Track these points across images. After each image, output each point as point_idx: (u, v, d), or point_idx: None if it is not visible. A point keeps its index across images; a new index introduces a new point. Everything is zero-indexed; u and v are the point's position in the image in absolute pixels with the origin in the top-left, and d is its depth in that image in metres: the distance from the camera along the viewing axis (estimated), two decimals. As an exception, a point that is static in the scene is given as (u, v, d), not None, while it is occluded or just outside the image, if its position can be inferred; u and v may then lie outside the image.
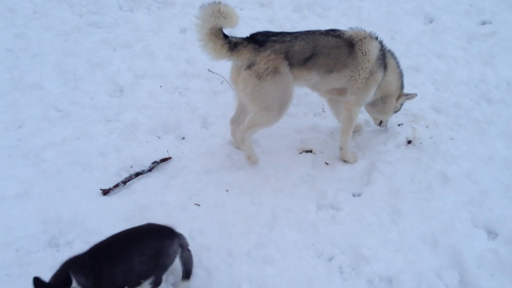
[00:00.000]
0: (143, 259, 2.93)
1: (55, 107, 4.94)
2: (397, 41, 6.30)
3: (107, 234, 3.45)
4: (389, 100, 4.53)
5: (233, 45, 3.93)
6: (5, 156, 4.30)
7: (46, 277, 3.24)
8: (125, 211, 3.81)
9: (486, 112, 5.12)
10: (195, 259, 3.44)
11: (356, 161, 4.51)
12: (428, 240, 3.71)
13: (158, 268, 3.04)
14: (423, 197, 4.09)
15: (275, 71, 3.96)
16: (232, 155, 4.49)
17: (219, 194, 4.06)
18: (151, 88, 5.32)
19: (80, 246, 3.48)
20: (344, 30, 4.24)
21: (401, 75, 4.51)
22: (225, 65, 5.53)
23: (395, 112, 4.73)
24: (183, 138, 4.69)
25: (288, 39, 4.03)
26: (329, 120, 5.01)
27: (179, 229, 3.66)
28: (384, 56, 4.28)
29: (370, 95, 4.35)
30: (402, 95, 4.58)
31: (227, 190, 4.11)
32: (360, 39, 4.15)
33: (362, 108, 4.70)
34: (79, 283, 2.69)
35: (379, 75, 4.26)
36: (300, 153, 4.56)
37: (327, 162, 4.47)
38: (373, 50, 4.17)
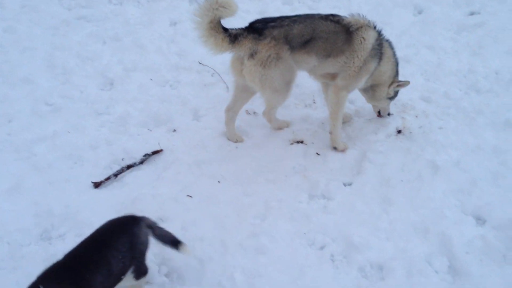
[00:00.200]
0: (120, 256, 2.85)
1: (45, 101, 4.94)
2: (387, 32, 6.17)
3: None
4: (379, 88, 4.58)
5: (233, 37, 4.00)
6: (-4, 150, 4.29)
7: (38, 270, 3.26)
8: (117, 204, 3.82)
9: (475, 102, 5.16)
10: (188, 250, 3.49)
11: (345, 148, 4.55)
12: (418, 227, 3.74)
13: (135, 258, 2.97)
14: (413, 186, 4.12)
15: (278, 57, 4.06)
16: (224, 146, 4.51)
17: (211, 186, 4.09)
18: (142, 81, 5.32)
19: (72, 239, 3.52)
20: (344, 16, 4.28)
21: (396, 64, 4.57)
22: (215, 58, 5.57)
23: (391, 99, 4.77)
24: (175, 130, 4.70)
25: (286, 23, 4.09)
26: (320, 111, 5.04)
27: (171, 221, 3.72)
28: (381, 46, 4.32)
29: (360, 83, 4.40)
30: (394, 82, 4.62)
31: (219, 182, 4.13)
32: (358, 27, 4.19)
33: (353, 98, 4.74)
34: None
35: (372, 65, 4.30)
36: (292, 144, 4.59)
37: (318, 153, 4.49)
38: (370, 40, 4.21)
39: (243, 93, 4.45)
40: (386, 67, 4.46)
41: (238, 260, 3.46)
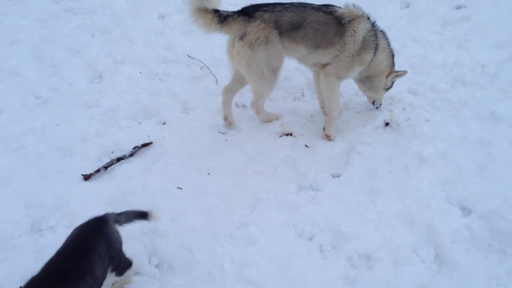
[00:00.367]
0: (101, 261, 2.74)
1: (34, 94, 4.92)
2: (374, 25, 6.36)
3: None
4: (377, 79, 4.63)
5: (223, 18, 4.08)
6: (-15, 142, 4.28)
7: (29, 262, 3.29)
8: (107, 196, 3.84)
9: (461, 94, 5.23)
10: (177, 242, 3.52)
11: (334, 139, 4.63)
12: (405, 218, 3.80)
13: (113, 257, 2.88)
14: (400, 177, 4.18)
15: (267, 40, 4.12)
16: (213, 139, 4.54)
17: (201, 177, 4.11)
18: (131, 74, 5.32)
19: (63, 231, 3.53)
20: (338, 7, 4.31)
21: (391, 54, 4.61)
22: (204, 51, 5.61)
23: (387, 89, 4.83)
24: (164, 123, 4.71)
25: (278, 9, 4.16)
26: (309, 104, 5.08)
27: (161, 212, 3.72)
28: (375, 37, 4.36)
29: (352, 74, 4.46)
30: (392, 72, 4.68)
31: (208, 174, 4.16)
32: (351, 19, 4.23)
33: (341, 91, 4.77)
34: None
35: (366, 56, 4.35)
36: (280, 136, 4.62)
37: (307, 145, 4.53)
38: (361, 32, 4.25)
39: (240, 76, 4.50)
40: (381, 57, 4.50)
41: (227, 250, 3.49)
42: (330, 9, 4.27)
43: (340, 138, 4.63)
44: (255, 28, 4.09)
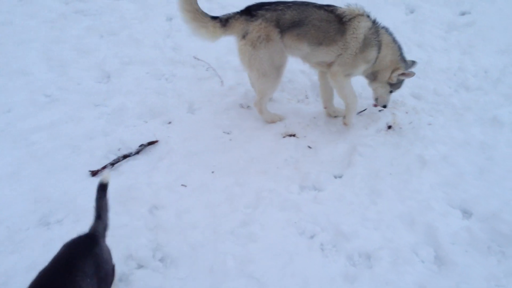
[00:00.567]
0: (88, 280, 2.57)
1: (43, 93, 5.01)
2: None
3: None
4: (380, 74, 4.62)
5: (224, 21, 4.22)
6: (-6, 139, 4.38)
7: (36, 254, 3.37)
8: (113, 191, 3.82)
9: (464, 98, 5.29)
10: (181, 238, 3.59)
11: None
12: (405, 218, 3.85)
13: (101, 279, 2.71)
14: (402, 178, 4.23)
15: (267, 38, 4.23)
16: (218, 138, 4.60)
17: (204, 176, 4.17)
18: (138, 75, 5.41)
19: (70, 225, 3.62)
20: (339, 6, 4.39)
21: (397, 49, 4.56)
22: (210, 53, 5.70)
23: (392, 87, 4.74)
24: (170, 122, 4.79)
25: (280, 8, 4.26)
26: (312, 106, 5.14)
27: (165, 209, 3.82)
28: (377, 34, 4.39)
29: (358, 71, 4.53)
30: (399, 69, 4.58)
31: (212, 172, 4.22)
32: (352, 18, 4.30)
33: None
34: None
35: (370, 54, 4.40)
36: (284, 137, 4.68)
37: (309, 146, 4.59)
38: (362, 30, 4.30)
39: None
40: (385, 52, 4.49)
41: (229, 247, 3.55)
42: (331, 8, 4.36)
43: (343, 140, 4.68)
44: (257, 27, 4.20)
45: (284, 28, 4.26)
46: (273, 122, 4.80)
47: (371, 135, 4.75)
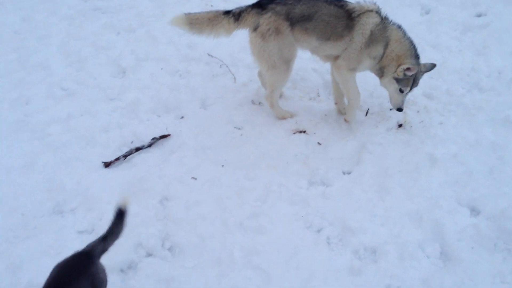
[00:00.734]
0: None
1: (60, 86, 5.17)
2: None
3: (108, 202, 3.70)
4: (387, 69, 4.52)
5: (237, 15, 4.33)
6: (13, 130, 4.55)
7: (50, 240, 3.48)
8: (125, 182, 4.02)
9: (476, 99, 5.26)
10: (190, 228, 3.67)
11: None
12: (413, 215, 3.87)
13: None
14: (411, 176, 4.24)
15: (277, 31, 4.31)
16: (229, 134, 4.67)
17: (215, 169, 4.25)
18: (153, 71, 5.52)
19: (83, 213, 3.74)
20: (349, 2, 4.43)
21: (405, 45, 4.41)
22: (224, 50, 5.78)
23: (402, 85, 4.50)
24: (182, 117, 4.88)
25: (290, 2, 4.34)
26: (324, 104, 5.18)
27: (176, 200, 3.90)
28: (384, 30, 4.36)
29: (363, 66, 4.54)
30: (403, 63, 4.38)
31: (222, 166, 4.29)
32: (361, 13, 4.32)
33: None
34: None
35: (375, 50, 4.40)
36: (294, 133, 4.73)
37: (319, 142, 4.63)
38: (369, 26, 4.31)
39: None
40: (393, 47, 4.40)
41: (237, 238, 3.63)
42: (342, 3, 4.39)
43: (353, 137, 4.70)
44: (267, 20, 4.28)
45: (294, 21, 4.33)
46: (283, 118, 4.85)
47: (381, 133, 4.77)
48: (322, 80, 5.51)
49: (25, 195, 3.87)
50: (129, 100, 5.02)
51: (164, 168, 4.22)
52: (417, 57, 4.52)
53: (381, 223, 3.82)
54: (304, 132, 4.75)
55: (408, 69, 4.34)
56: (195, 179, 4.12)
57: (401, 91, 4.56)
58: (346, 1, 4.44)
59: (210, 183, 4.10)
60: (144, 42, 6.01)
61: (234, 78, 5.45)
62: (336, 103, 4.99)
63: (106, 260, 3.26)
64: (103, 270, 2.77)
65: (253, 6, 4.41)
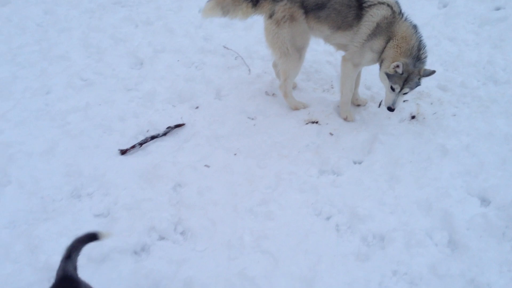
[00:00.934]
0: None
1: (80, 76, 5.34)
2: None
3: (123, 188, 3.83)
4: (383, 63, 4.43)
5: (255, 1, 4.43)
6: (34, 118, 4.72)
7: (67, 222, 3.63)
8: (140, 169, 4.14)
9: (491, 91, 5.25)
10: (202, 213, 3.77)
11: (351, 120, 4.84)
12: (422, 204, 3.89)
13: None
14: (421, 166, 4.26)
15: (292, 18, 4.42)
16: (242, 123, 4.76)
17: (227, 157, 4.34)
18: (169, 62, 5.65)
19: (99, 197, 3.87)
20: None
21: (408, 43, 4.27)
22: (239, 43, 5.87)
23: (392, 82, 4.33)
24: (197, 107, 4.98)
25: None
26: (337, 96, 5.21)
27: (188, 186, 4.00)
28: (391, 25, 4.29)
29: (365, 60, 4.55)
30: (397, 60, 4.24)
31: (235, 154, 4.38)
32: (371, 5, 4.33)
33: (369, 84, 4.88)
34: None
35: (376, 43, 4.39)
36: (307, 124, 4.79)
37: (331, 133, 4.68)
38: (376, 17, 4.31)
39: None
40: (395, 43, 4.31)
41: (247, 223, 3.72)
42: None
43: (365, 128, 4.74)
44: (282, 7, 4.38)
45: (308, 9, 4.41)
46: (296, 108, 4.92)
47: (393, 124, 4.80)
48: (336, 73, 5.55)
49: (44, 179, 4.02)
50: (146, 90, 5.15)
51: (178, 155, 4.32)
52: (417, 59, 4.32)
53: (390, 211, 3.86)
54: (317, 122, 4.81)
55: (397, 66, 4.20)
56: (208, 166, 4.22)
57: (392, 89, 4.39)
58: None
59: (222, 171, 4.19)
60: (161, 35, 6.15)
61: (249, 70, 5.53)
62: None
63: (120, 242, 3.43)
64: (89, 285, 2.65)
65: None
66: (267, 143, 4.52)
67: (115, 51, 5.81)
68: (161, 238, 3.59)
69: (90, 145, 4.42)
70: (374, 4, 4.32)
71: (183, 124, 4.69)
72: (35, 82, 5.25)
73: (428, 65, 5.55)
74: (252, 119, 4.84)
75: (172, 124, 4.67)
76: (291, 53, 4.56)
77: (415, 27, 4.40)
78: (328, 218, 3.82)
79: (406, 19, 4.41)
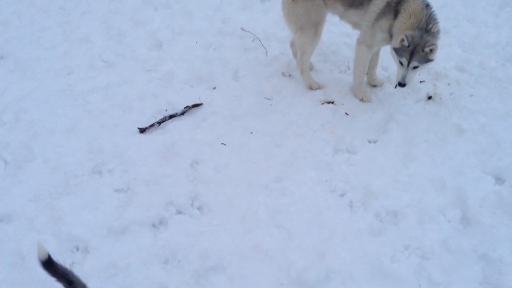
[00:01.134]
0: None
1: (101, 58, 5.47)
2: (428, 5, 6.40)
3: (142, 165, 3.95)
4: (393, 38, 4.42)
5: None
6: (57, 97, 4.88)
7: (89, 196, 3.76)
8: (159, 146, 4.25)
9: (510, 72, 5.22)
10: (218, 189, 3.87)
11: (367, 100, 4.88)
12: (436, 182, 3.92)
13: None
14: (436, 145, 4.28)
15: None
16: (259, 103, 4.82)
17: (244, 136, 4.41)
18: (188, 44, 5.74)
19: (119, 173, 4.00)
20: None
21: (418, 19, 4.22)
22: (257, 25, 5.93)
23: (399, 55, 4.31)
24: (214, 88, 5.06)
25: None
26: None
27: (206, 163, 4.11)
28: (401, 3, 4.27)
29: (377, 41, 4.56)
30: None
31: (251, 133, 4.45)
32: None
33: (386, 65, 4.89)
34: None
35: (385, 22, 4.39)
36: (322, 104, 4.83)
37: (347, 113, 4.72)
38: None
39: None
40: (403, 20, 4.28)
41: (262, 199, 3.80)
42: None
43: (381, 108, 4.76)
44: None
45: None
46: (311, 86, 4.98)
47: (409, 104, 4.82)
48: (353, 54, 5.55)
49: (67, 156, 4.16)
50: (165, 71, 5.25)
51: (196, 134, 4.42)
52: (424, 31, 4.21)
53: (404, 189, 3.90)
54: (332, 103, 4.85)
55: (402, 40, 4.17)
56: (225, 144, 4.31)
57: (401, 63, 4.36)
58: None
59: (238, 149, 4.27)
60: (180, 17, 6.24)
61: (266, 52, 5.58)
62: (366, 73, 5.04)
63: (140, 215, 3.56)
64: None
65: None
66: (283, 123, 4.58)
67: (135, 33, 5.93)
68: (179, 212, 3.70)
69: (111, 123, 4.55)
70: None
71: (200, 104, 4.78)
72: (57, 63, 5.39)
73: (447, 46, 5.61)
74: (269, 99, 4.90)
75: (190, 104, 4.76)
76: (306, 28, 4.64)
77: (427, 5, 4.32)
78: (342, 195, 3.88)
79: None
